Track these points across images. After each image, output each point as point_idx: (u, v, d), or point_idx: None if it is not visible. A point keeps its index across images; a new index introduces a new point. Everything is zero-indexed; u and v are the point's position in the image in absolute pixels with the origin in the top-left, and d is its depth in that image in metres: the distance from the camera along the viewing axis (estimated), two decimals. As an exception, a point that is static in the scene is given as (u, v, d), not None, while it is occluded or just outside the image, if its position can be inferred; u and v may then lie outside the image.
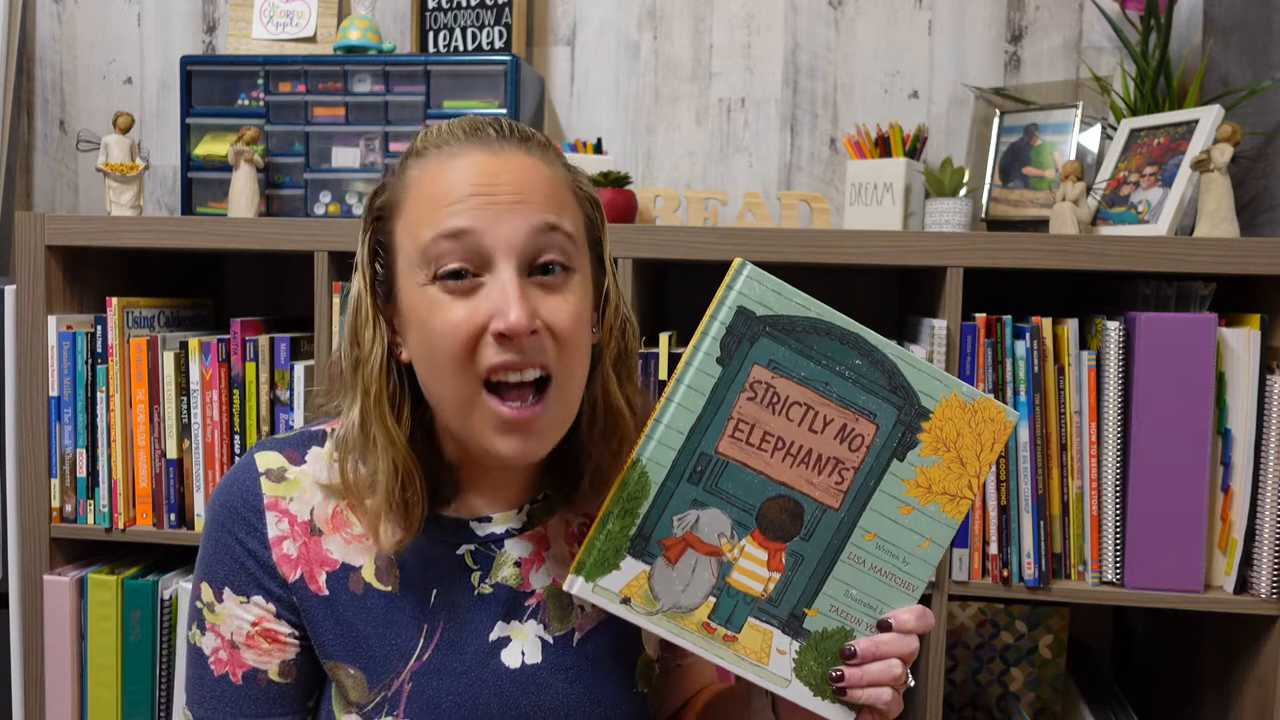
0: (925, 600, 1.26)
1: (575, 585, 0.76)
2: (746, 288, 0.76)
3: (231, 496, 0.86)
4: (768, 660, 0.78)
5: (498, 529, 0.88)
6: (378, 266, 0.83)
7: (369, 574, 0.85)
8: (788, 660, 0.78)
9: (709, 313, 0.76)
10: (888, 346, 0.77)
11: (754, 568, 0.78)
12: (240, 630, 0.85)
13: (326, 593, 0.85)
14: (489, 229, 0.76)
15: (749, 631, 0.78)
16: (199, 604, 0.86)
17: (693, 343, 0.77)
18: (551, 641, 0.87)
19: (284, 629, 0.85)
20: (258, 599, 0.85)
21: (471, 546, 0.87)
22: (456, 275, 0.76)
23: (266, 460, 0.87)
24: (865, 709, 0.77)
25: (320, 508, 0.86)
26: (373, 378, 0.81)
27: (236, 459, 1.38)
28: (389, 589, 0.85)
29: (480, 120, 0.82)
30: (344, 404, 0.84)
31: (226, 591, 0.85)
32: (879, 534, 0.78)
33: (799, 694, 0.78)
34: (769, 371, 0.76)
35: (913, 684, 0.80)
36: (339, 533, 0.86)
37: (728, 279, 0.77)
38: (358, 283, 0.83)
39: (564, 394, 0.79)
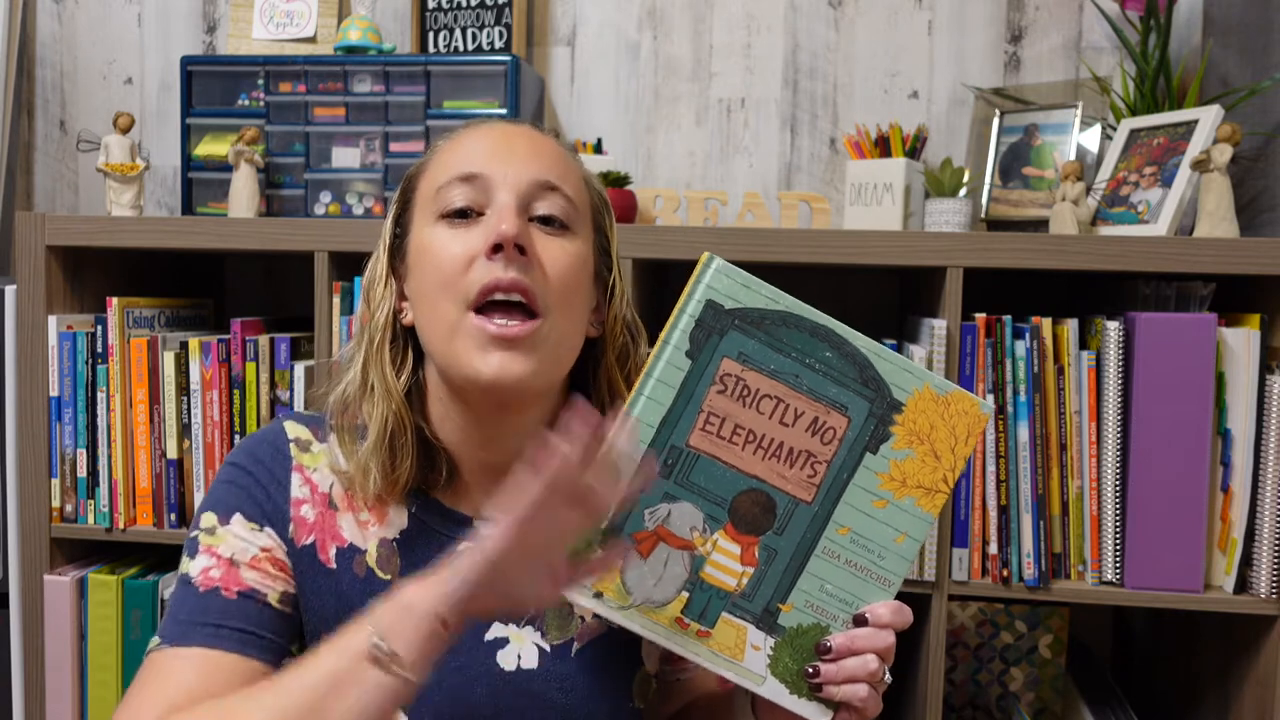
0: (925, 600, 1.27)
1: None
2: (715, 281, 0.76)
3: (260, 451, 0.87)
4: (742, 656, 0.77)
5: None
6: (397, 230, 0.87)
7: (371, 559, 0.86)
8: (763, 656, 0.77)
9: (678, 307, 0.76)
10: (858, 339, 0.76)
11: (727, 562, 0.77)
12: (245, 551, 0.83)
13: (334, 566, 0.86)
14: (496, 173, 0.81)
15: (723, 627, 0.77)
16: (196, 532, 0.84)
17: (661, 337, 0.76)
18: (549, 650, 0.87)
19: (291, 566, 0.85)
20: (270, 530, 0.84)
21: (471, 544, 0.86)
22: (462, 214, 0.81)
23: (295, 430, 0.89)
24: (842, 706, 0.76)
25: (337, 485, 0.88)
26: (378, 327, 0.85)
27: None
28: (388, 577, 0.86)
29: (518, 119, 0.89)
30: (351, 362, 0.88)
31: (237, 517, 0.84)
32: (853, 528, 0.77)
33: (774, 691, 0.77)
34: (739, 364, 0.76)
35: (890, 681, 0.79)
36: (351, 513, 0.87)
37: (696, 273, 0.76)
38: (379, 246, 0.88)
39: (554, 333, 0.81)
